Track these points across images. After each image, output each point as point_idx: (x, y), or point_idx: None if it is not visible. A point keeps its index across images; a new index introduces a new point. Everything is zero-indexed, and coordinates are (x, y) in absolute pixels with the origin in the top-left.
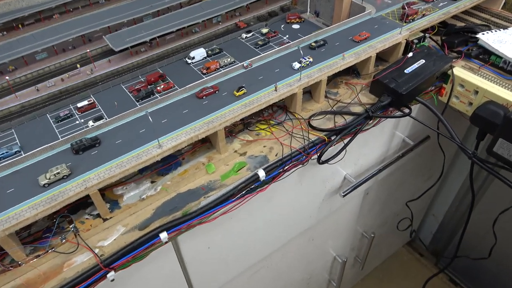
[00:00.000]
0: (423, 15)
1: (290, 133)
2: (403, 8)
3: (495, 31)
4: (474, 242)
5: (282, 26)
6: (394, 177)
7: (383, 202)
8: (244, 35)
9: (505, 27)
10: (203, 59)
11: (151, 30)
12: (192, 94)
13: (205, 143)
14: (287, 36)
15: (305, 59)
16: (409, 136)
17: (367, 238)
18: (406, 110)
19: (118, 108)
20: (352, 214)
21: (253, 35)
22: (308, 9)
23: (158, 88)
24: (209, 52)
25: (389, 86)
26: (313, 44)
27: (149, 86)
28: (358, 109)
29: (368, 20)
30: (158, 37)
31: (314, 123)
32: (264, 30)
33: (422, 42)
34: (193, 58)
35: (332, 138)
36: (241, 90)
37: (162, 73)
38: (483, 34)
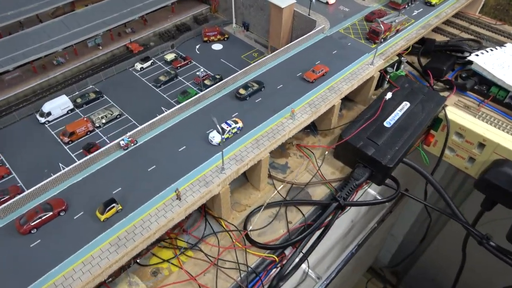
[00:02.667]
0: (397, 31)
1: (216, 262)
2: (367, 19)
3: (491, 49)
4: None
5: (198, 46)
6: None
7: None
8: (138, 66)
9: (493, 40)
10: (67, 113)
11: None
12: (9, 223)
13: None
14: (202, 68)
15: (229, 125)
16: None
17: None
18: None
19: None
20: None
21: (152, 63)
22: (234, 20)
23: None
24: (78, 100)
25: (367, 153)
26: (242, 91)
27: None
28: (321, 191)
29: (322, 40)
30: None
31: (255, 234)
32: (170, 57)
33: (399, 70)
34: (49, 114)
35: (287, 253)
36: (111, 208)
37: None
38: (476, 55)
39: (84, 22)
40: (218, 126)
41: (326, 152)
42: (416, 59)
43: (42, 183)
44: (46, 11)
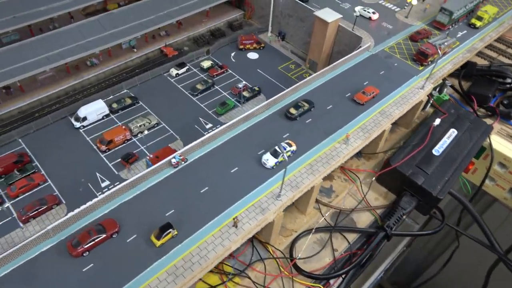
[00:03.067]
0: (444, 53)
1: None
2: (412, 39)
3: None
4: None
5: (233, 54)
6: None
7: None
8: (174, 71)
9: None
10: (102, 118)
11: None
12: (59, 243)
13: None
14: (243, 81)
15: (284, 148)
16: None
17: None
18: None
19: None
20: None
21: (188, 70)
22: (270, 28)
23: (12, 190)
24: (114, 105)
25: (416, 182)
26: (293, 111)
27: None
28: (365, 218)
29: (368, 59)
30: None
31: (300, 261)
32: (206, 64)
33: (442, 94)
34: (84, 118)
35: (331, 282)
36: (168, 234)
37: (22, 154)
38: None
39: (120, 23)
40: (285, 155)
41: (374, 178)
42: (457, 82)
43: (92, 201)
44: (79, 8)
